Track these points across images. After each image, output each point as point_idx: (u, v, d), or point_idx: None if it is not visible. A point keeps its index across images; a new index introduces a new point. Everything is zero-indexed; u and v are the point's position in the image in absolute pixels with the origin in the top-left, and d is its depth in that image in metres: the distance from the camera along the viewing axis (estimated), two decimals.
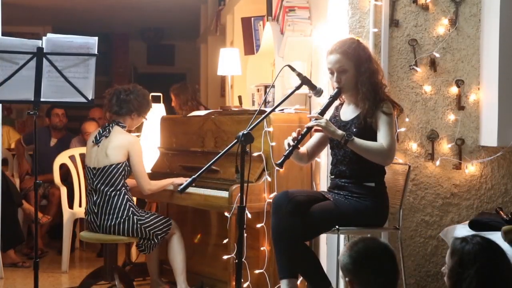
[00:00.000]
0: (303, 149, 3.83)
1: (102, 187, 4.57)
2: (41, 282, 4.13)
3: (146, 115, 4.83)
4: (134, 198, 5.11)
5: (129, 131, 4.79)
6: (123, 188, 4.57)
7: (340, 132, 3.53)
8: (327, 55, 3.70)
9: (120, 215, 4.51)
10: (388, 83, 4.09)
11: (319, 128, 3.53)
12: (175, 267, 4.64)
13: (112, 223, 4.52)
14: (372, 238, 3.06)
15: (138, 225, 4.51)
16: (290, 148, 3.53)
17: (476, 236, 2.70)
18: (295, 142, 3.54)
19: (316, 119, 3.52)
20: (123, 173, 4.57)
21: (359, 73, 3.63)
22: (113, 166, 4.55)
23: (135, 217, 4.52)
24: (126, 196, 4.56)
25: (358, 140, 3.52)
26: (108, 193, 4.55)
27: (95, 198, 4.61)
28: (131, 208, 4.54)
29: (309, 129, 3.56)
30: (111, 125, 4.68)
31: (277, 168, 3.57)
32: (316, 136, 3.82)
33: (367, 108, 3.60)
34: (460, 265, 2.62)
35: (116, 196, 4.54)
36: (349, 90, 3.68)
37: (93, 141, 4.70)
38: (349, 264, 2.68)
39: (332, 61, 3.66)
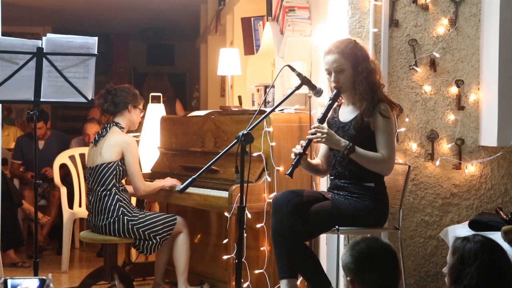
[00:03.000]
0: (316, 160, 3.84)
1: (95, 186, 4.58)
2: None
3: (141, 106, 4.79)
4: (134, 198, 5.11)
5: (129, 131, 4.78)
6: (114, 188, 4.55)
7: (343, 143, 3.53)
8: (324, 55, 3.71)
9: (110, 215, 4.51)
10: (388, 83, 4.10)
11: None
12: (178, 267, 4.63)
13: (103, 223, 4.53)
14: (374, 238, 3.06)
15: (129, 226, 4.50)
16: (297, 157, 3.55)
17: (477, 235, 2.72)
18: (301, 151, 3.55)
19: (316, 132, 3.52)
20: (114, 172, 4.55)
21: (357, 73, 3.63)
22: (105, 165, 4.55)
23: (125, 218, 4.50)
24: (116, 196, 4.54)
25: (360, 151, 3.54)
26: (99, 192, 4.55)
27: (90, 198, 4.64)
28: (121, 209, 4.52)
29: (310, 140, 3.58)
30: (109, 125, 4.68)
31: (288, 176, 3.56)
32: (325, 145, 3.82)
33: (364, 107, 3.61)
34: (461, 262, 2.64)
35: (107, 196, 4.54)
36: (347, 90, 3.68)
37: (92, 142, 4.72)
38: (350, 264, 2.68)
39: (329, 61, 3.67)
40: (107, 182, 4.54)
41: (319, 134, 3.52)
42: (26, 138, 6.86)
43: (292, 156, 3.58)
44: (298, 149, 3.57)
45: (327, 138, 3.53)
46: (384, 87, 3.77)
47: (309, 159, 3.74)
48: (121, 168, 4.57)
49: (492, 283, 2.61)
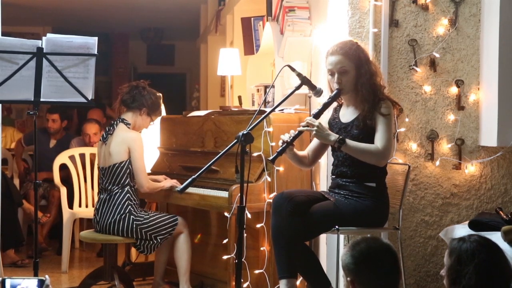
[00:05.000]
0: (304, 152, 3.84)
1: (110, 186, 4.59)
2: None
3: (155, 118, 4.83)
4: None
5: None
6: (127, 186, 4.57)
7: (333, 137, 3.55)
8: (327, 56, 3.70)
9: (117, 212, 4.51)
10: (388, 83, 4.10)
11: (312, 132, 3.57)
12: (179, 266, 4.63)
13: (108, 221, 4.52)
14: (374, 238, 3.06)
15: (134, 225, 4.50)
16: (283, 146, 3.56)
17: (473, 235, 2.72)
18: (288, 140, 3.56)
19: (308, 124, 3.54)
20: (128, 171, 4.57)
21: (360, 75, 3.64)
22: (117, 165, 4.56)
23: (131, 217, 4.51)
24: (128, 194, 4.56)
25: (351, 143, 3.55)
26: (114, 191, 4.57)
27: (101, 196, 4.64)
28: (129, 207, 4.53)
29: (300, 132, 3.58)
30: (116, 122, 4.69)
31: (270, 163, 3.58)
32: (316, 140, 3.83)
33: (366, 110, 3.61)
34: (459, 263, 2.63)
35: (118, 193, 4.55)
36: (349, 91, 3.68)
37: (101, 140, 4.73)
38: (351, 264, 2.68)
39: (333, 62, 3.66)
40: (122, 180, 4.56)
41: (310, 127, 3.53)
42: (40, 133, 6.84)
43: (280, 143, 3.59)
44: (286, 137, 3.58)
45: (317, 131, 3.54)
46: (385, 88, 3.77)
47: (295, 150, 3.74)
48: (132, 166, 4.59)
49: (490, 282, 2.61)
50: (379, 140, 3.59)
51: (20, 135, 7.98)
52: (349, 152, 3.58)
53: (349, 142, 3.55)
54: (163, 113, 5.83)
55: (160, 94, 5.03)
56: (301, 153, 3.82)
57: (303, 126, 3.56)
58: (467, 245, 2.65)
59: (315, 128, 3.54)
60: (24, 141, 6.94)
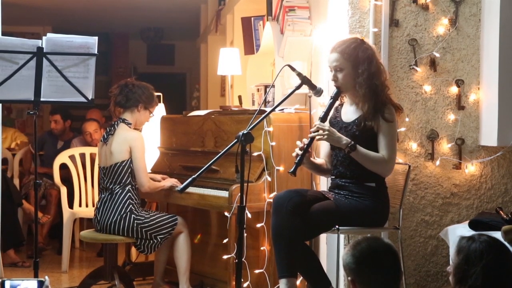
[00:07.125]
0: (320, 160, 3.84)
1: (111, 185, 4.60)
2: None
3: (153, 109, 4.82)
4: None
5: (135, 129, 4.79)
6: (129, 185, 4.57)
7: (344, 141, 3.54)
8: (329, 53, 3.71)
9: (118, 211, 4.51)
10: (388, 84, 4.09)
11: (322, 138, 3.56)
12: (179, 266, 4.64)
13: (110, 221, 4.53)
14: (375, 237, 3.06)
15: (135, 225, 4.50)
16: (300, 155, 3.54)
17: (482, 235, 2.71)
18: (303, 150, 3.55)
19: (318, 129, 3.53)
20: (129, 170, 4.58)
21: (357, 74, 3.61)
22: (118, 164, 4.56)
23: (132, 215, 4.52)
24: (129, 193, 4.56)
25: (361, 150, 3.54)
26: (115, 190, 4.57)
27: (102, 195, 4.64)
28: (130, 206, 4.54)
29: (313, 138, 3.57)
30: (116, 122, 4.69)
31: (291, 175, 3.56)
32: (326, 144, 3.81)
33: (366, 110, 3.60)
34: (467, 262, 2.62)
35: (119, 193, 4.56)
36: (348, 90, 3.68)
37: (101, 140, 4.73)
38: (351, 264, 2.68)
39: (330, 59, 3.67)
40: (123, 179, 4.57)
41: (320, 132, 3.53)
42: (48, 136, 6.93)
43: (294, 154, 3.58)
44: (299, 149, 3.57)
45: (328, 136, 3.53)
46: (389, 89, 3.73)
47: (312, 158, 3.74)
48: (133, 165, 4.59)
49: (497, 284, 2.60)
50: (384, 149, 3.58)
51: (21, 135, 7.98)
52: (357, 158, 3.57)
53: (360, 149, 3.54)
54: (163, 112, 5.84)
55: (158, 92, 5.02)
56: (318, 161, 3.82)
57: (313, 132, 3.55)
58: (476, 245, 2.63)
59: (326, 132, 3.53)
60: (32, 148, 6.92)
